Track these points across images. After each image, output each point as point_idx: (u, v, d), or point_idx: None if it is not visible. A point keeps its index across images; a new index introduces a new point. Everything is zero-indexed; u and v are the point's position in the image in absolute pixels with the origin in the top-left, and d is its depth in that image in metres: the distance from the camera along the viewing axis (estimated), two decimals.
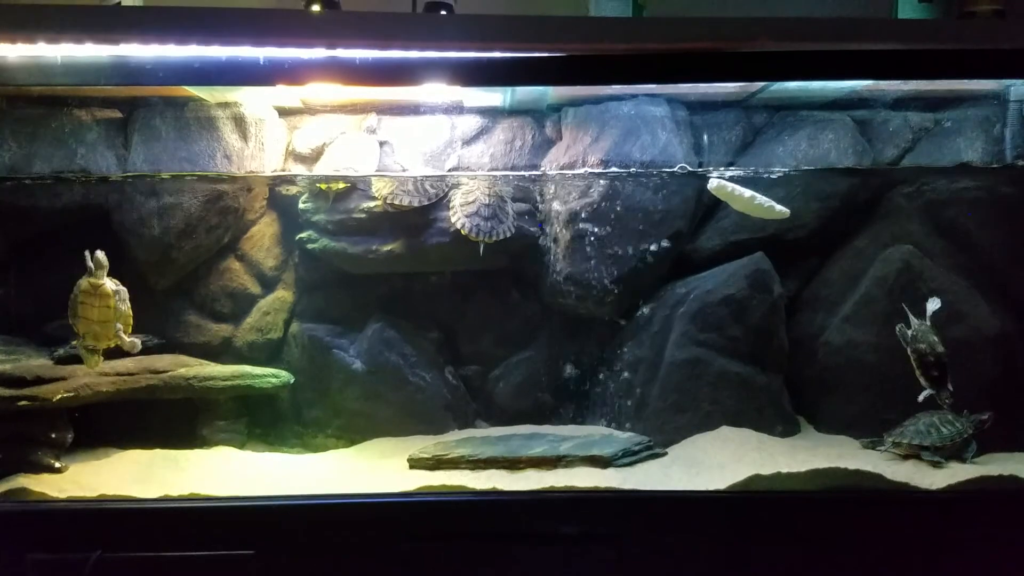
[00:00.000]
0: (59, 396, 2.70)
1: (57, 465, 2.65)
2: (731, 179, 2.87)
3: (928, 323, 2.75)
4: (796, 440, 2.93)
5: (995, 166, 2.95)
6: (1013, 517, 2.44)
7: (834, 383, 3.01)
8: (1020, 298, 2.90)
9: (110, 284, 2.65)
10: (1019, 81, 2.82)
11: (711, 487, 2.51)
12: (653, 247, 3.05)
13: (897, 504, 2.47)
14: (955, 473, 2.55)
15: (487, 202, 2.98)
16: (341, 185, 3.03)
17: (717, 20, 2.45)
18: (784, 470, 2.51)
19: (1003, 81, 2.85)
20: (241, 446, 2.94)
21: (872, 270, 3.00)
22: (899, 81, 2.87)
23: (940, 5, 2.68)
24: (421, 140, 3.09)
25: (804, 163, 3.03)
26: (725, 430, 2.89)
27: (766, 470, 2.52)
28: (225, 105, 2.99)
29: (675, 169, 2.95)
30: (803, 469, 2.51)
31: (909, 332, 2.75)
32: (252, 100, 3.00)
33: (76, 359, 2.85)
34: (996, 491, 2.51)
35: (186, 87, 2.80)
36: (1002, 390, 2.83)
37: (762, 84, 2.85)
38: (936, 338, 2.71)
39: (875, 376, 2.92)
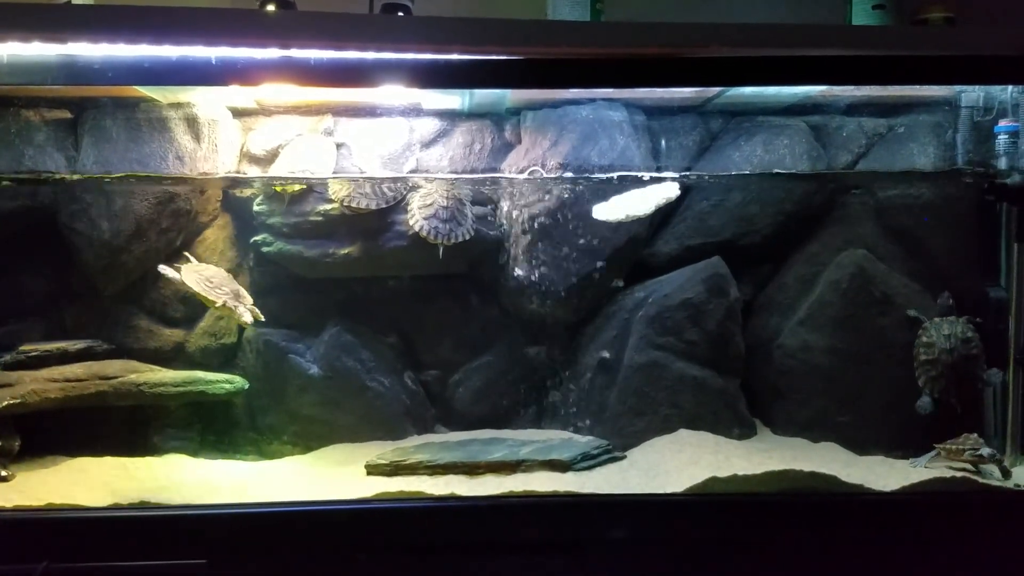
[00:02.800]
0: (5, 403, 2.63)
1: (4, 474, 2.59)
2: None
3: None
4: (752, 443, 2.95)
5: (947, 171, 3.00)
6: (965, 518, 2.48)
7: (789, 386, 3.04)
8: (971, 301, 2.94)
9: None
10: (970, 87, 2.87)
11: (669, 490, 2.52)
12: (610, 252, 3.06)
13: (852, 505, 2.49)
14: (909, 475, 2.59)
15: (445, 204, 2.96)
16: (297, 187, 2.99)
17: (674, 25, 2.45)
18: (741, 472, 2.53)
19: (955, 87, 2.90)
20: (194, 454, 2.90)
21: (826, 274, 3.03)
22: (853, 87, 2.91)
23: (893, 12, 2.72)
24: (379, 143, 3.07)
25: (760, 168, 3.06)
26: (683, 433, 2.90)
27: (723, 472, 2.54)
28: (177, 106, 2.94)
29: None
30: (759, 471, 2.53)
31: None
32: (205, 101, 2.96)
33: (23, 365, 2.80)
34: (949, 492, 2.55)
35: (137, 87, 2.75)
36: (954, 393, 2.88)
37: (718, 89, 2.87)
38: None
39: (829, 379, 2.95)
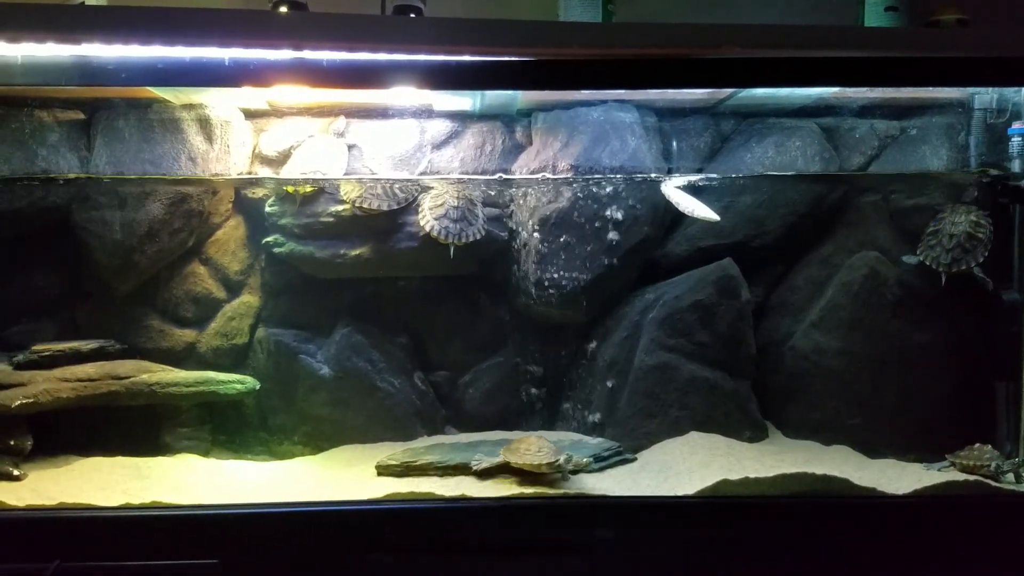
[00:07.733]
0: (18, 402, 2.64)
1: (16, 473, 2.59)
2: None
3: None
4: (764, 445, 2.94)
5: (959, 173, 2.99)
6: (978, 522, 2.47)
7: (801, 388, 3.03)
8: (983, 303, 2.93)
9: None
10: (983, 89, 2.86)
11: (680, 492, 2.51)
12: (621, 254, 3.06)
13: (865, 508, 2.48)
14: (921, 478, 2.58)
15: (456, 204, 2.97)
16: (308, 188, 3.00)
17: (686, 26, 2.45)
18: (752, 475, 2.52)
19: (967, 89, 2.89)
20: (205, 453, 2.90)
21: (838, 276, 3.02)
22: (865, 89, 2.90)
23: (905, 14, 2.71)
24: (390, 144, 3.07)
25: (771, 170, 3.05)
26: (694, 435, 2.90)
27: (734, 475, 2.53)
28: (190, 107, 2.95)
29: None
30: (771, 474, 2.52)
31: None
32: (218, 102, 2.97)
33: (36, 365, 2.81)
34: (961, 496, 2.54)
35: (150, 88, 2.75)
36: (967, 396, 2.87)
37: (730, 91, 2.86)
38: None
39: (841, 381, 2.94)
